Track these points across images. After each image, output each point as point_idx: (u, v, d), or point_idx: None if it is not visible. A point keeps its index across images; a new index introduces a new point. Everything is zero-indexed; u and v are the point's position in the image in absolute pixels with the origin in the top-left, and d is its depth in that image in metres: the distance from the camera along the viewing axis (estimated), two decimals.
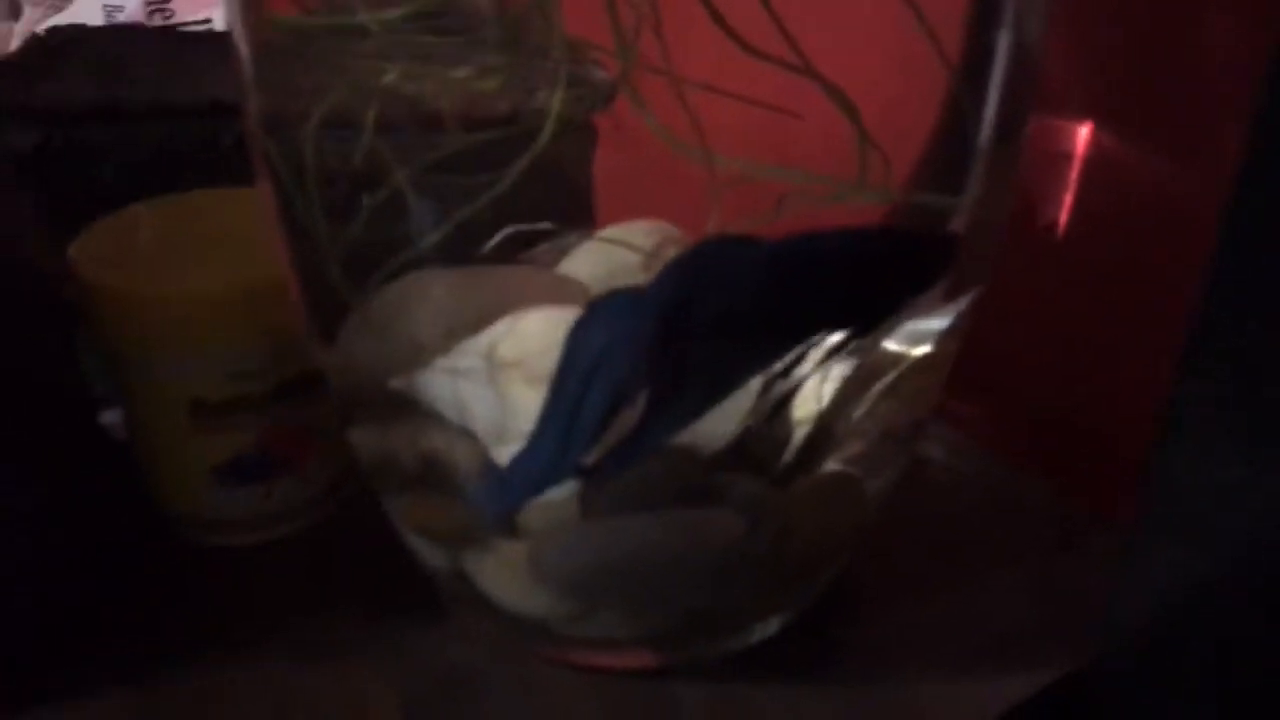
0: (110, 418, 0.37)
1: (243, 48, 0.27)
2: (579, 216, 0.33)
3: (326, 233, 0.28)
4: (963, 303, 0.30)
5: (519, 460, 0.26)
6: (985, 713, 0.31)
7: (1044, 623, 0.34)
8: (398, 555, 0.33)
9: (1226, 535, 0.26)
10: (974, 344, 0.32)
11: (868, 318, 0.27)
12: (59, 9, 0.77)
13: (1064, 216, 0.43)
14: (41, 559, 0.32)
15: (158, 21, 0.74)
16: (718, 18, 0.23)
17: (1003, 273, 0.32)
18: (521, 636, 0.32)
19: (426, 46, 0.26)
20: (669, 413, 0.26)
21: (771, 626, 0.33)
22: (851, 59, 0.25)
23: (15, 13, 0.80)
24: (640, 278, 0.29)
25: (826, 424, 0.30)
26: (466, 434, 0.29)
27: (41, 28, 0.65)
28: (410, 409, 0.29)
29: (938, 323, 0.30)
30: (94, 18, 0.74)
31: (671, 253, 0.25)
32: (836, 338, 0.27)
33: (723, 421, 0.28)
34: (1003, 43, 0.26)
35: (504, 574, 0.30)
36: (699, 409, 0.26)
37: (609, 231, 0.32)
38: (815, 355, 0.27)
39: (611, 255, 0.32)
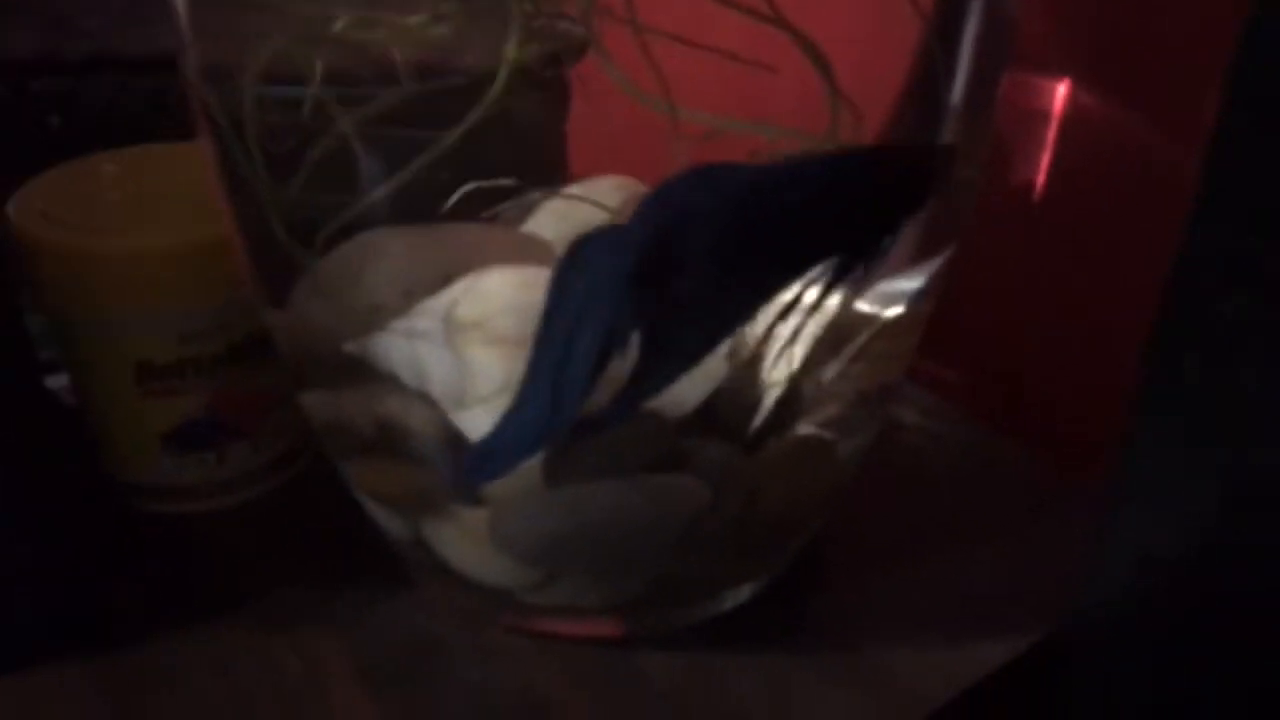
0: (59, 381, 0.36)
1: None
2: (552, 174, 0.32)
3: (270, 190, 0.27)
4: (935, 263, 0.29)
5: (506, 422, 0.24)
6: (959, 680, 0.31)
7: (1019, 588, 0.34)
8: (356, 523, 0.32)
9: (1200, 501, 0.26)
10: (950, 306, 0.31)
11: (863, 242, 0.26)
12: None
13: (1041, 176, 0.42)
14: None
15: None
16: None
17: (979, 233, 0.31)
18: (483, 605, 0.31)
19: None
20: (666, 356, 0.24)
21: (743, 594, 0.32)
22: (823, 10, 0.24)
23: None
24: None
25: (797, 387, 0.29)
26: (424, 398, 0.28)
27: None
28: (365, 372, 0.28)
29: (910, 283, 0.29)
30: None
31: None
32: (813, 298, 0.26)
33: (690, 386, 0.27)
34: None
35: (464, 542, 0.29)
36: (698, 350, 0.25)
37: (574, 188, 0.31)
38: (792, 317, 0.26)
39: (577, 213, 0.31)
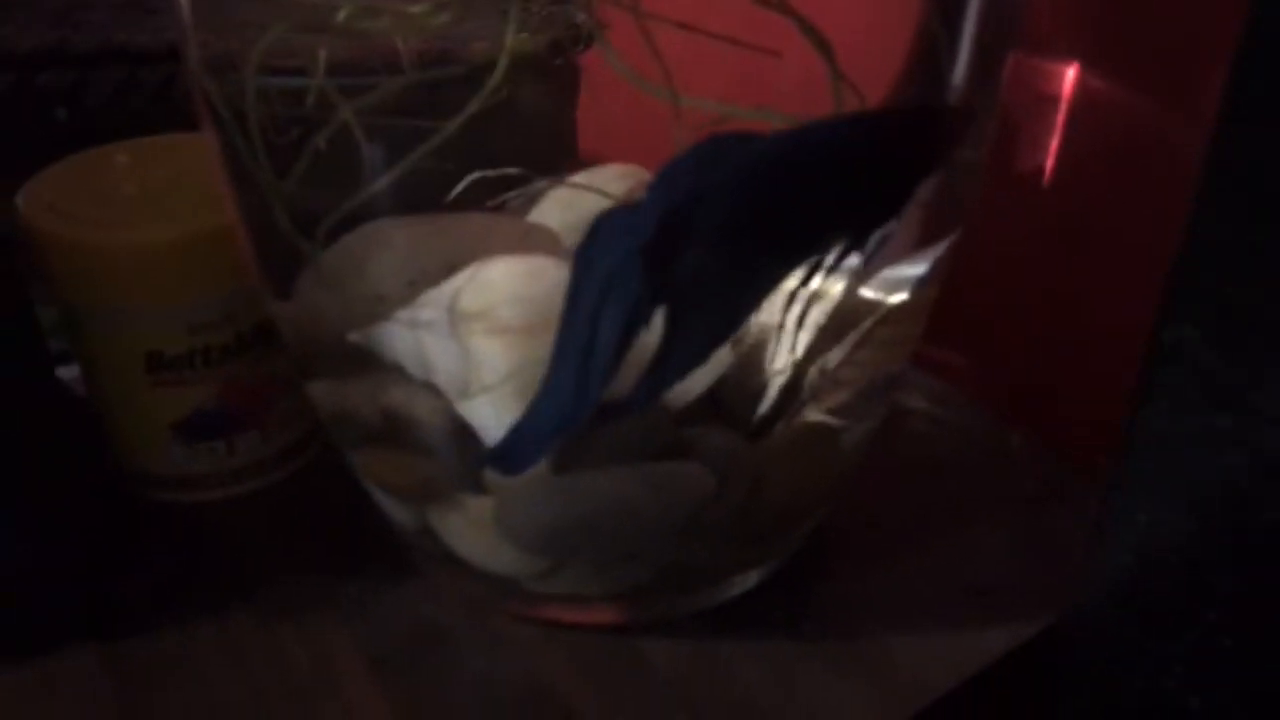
0: (70, 373, 0.36)
1: None
2: (561, 161, 0.32)
3: (273, 181, 0.27)
4: (939, 249, 0.29)
5: (534, 409, 0.24)
6: (963, 668, 0.30)
7: (1025, 575, 0.34)
8: (364, 512, 0.32)
9: (1206, 487, 0.26)
10: (957, 292, 0.31)
11: (882, 206, 0.25)
12: None
13: (1049, 161, 0.42)
14: None
15: None
16: None
17: (987, 219, 0.31)
18: (490, 593, 0.32)
19: None
20: (692, 332, 0.24)
21: (749, 581, 0.32)
22: None
23: None
24: None
25: (801, 374, 0.29)
26: (429, 388, 0.28)
27: None
28: (370, 362, 0.28)
29: (914, 269, 0.29)
30: None
31: None
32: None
33: (695, 374, 0.27)
34: None
35: (470, 530, 0.29)
36: (724, 326, 0.25)
37: (580, 177, 0.31)
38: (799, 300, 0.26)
39: (583, 201, 0.31)
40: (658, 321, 0.23)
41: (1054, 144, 0.42)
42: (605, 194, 0.30)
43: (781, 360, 0.28)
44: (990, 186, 0.32)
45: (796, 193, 0.24)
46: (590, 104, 0.30)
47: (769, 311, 0.27)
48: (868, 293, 0.29)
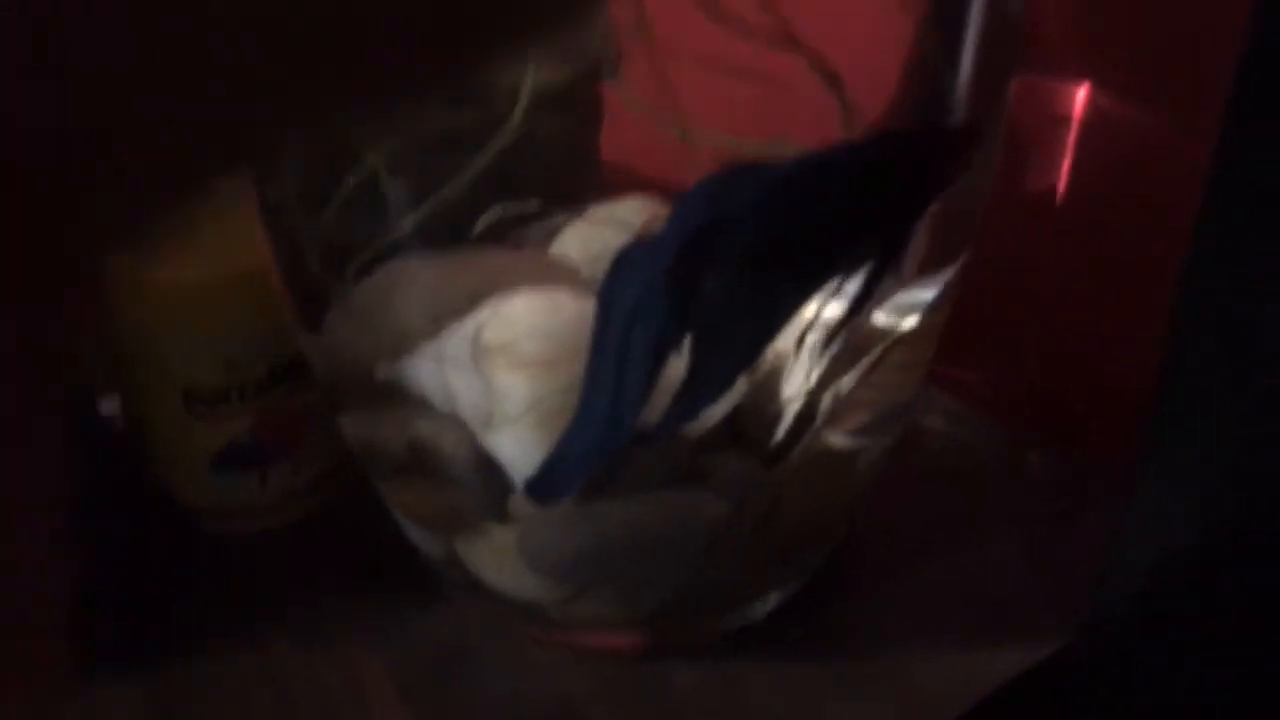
0: (111, 405, 0.37)
1: None
2: (584, 193, 0.32)
3: (303, 220, 0.28)
4: (949, 273, 0.29)
5: (567, 440, 0.25)
6: (982, 685, 0.31)
7: (1043, 594, 0.34)
8: (393, 540, 0.33)
9: (1225, 505, 0.26)
10: (972, 309, 0.31)
11: (894, 228, 0.26)
12: None
13: (1061, 181, 0.42)
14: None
15: None
16: None
17: (1002, 238, 0.31)
18: (515, 618, 0.32)
19: None
20: (717, 359, 0.25)
21: (769, 603, 0.33)
22: (826, 22, 0.25)
23: None
24: None
25: (816, 400, 0.29)
26: (454, 420, 0.29)
27: None
28: (398, 396, 0.29)
29: (924, 294, 0.29)
30: None
31: None
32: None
33: None
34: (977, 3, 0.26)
35: (495, 559, 0.30)
36: (748, 352, 0.25)
37: (598, 209, 0.32)
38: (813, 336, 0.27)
39: (603, 233, 0.31)
40: (683, 350, 0.24)
41: (1066, 163, 0.42)
42: (623, 226, 0.31)
43: (796, 386, 0.29)
44: (1004, 205, 0.32)
45: (814, 216, 0.24)
46: (613, 132, 0.31)
47: (783, 338, 0.27)
48: (880, 317, 0.29)
